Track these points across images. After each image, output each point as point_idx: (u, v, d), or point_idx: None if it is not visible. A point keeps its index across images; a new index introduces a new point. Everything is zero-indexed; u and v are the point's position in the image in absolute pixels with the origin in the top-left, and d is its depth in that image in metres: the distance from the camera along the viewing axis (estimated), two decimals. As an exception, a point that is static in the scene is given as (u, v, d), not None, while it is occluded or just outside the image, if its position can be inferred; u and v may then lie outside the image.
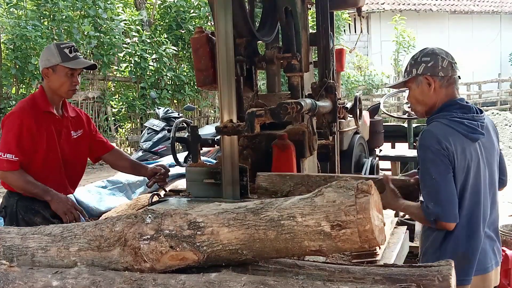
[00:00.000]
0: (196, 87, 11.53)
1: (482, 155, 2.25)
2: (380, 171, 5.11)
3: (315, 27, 3.49)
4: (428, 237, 2.30)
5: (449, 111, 2.22)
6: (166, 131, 8.42)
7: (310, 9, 3.59)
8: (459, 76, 2.29)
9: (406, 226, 3.13)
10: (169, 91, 11.74)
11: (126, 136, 11.64)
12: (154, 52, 11.36)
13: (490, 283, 2.32)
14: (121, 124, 11.86)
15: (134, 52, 11.12)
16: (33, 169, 2.87)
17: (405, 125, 6.45)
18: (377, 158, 5.19)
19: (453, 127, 2.17)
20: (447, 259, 1.64)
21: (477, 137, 2.23)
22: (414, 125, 6.39)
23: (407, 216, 3.64)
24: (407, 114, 6.26)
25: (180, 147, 7.93)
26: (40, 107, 2.88)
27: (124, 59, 11.38)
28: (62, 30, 10.14)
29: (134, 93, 11.68)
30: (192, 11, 12.12)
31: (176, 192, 3.09)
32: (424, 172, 2.15)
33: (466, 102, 2.28)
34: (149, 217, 1.63)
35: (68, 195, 3.02)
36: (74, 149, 3.02)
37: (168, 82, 11.84)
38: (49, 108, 2.90)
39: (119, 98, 11.74)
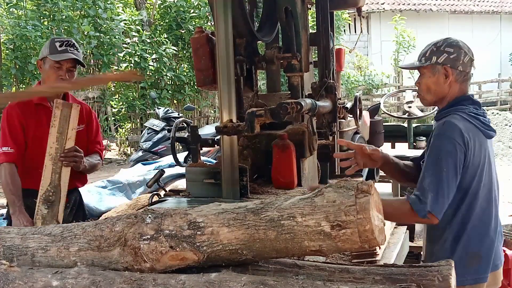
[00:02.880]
0: (196, 87, 11.53)
1: (493, 153, 2.25)
2: (380, 171, 5.10)
3: (315, 27, 3.48)
4: (435, 237, 2.26)
5: (464, 105, 2.19)
6: (166, 131, 8.43)
7: (310, 9, 3.58)
8: (472, 73, 2.27)
9: (406, 226, 3.13)
10: (169, 91, 11.74)
11: (126, 136, 11.64)
12: (154, 52, 11.36)
13: (499, 280, 2.32)
14: (121, 124, 11.87)
15: (134, 52, 11.13)
16: (27, 162, 2.94)
17: (405, 125, 6.45)
18: (377, 158, 5.17)
19: (471, 122, 2.14)
20: (447, 259, 1.64)
21: (492, 134, 2.21)
22: (414, 125, 6.39)
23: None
24: (407, 114, 6.27)
25: (180, 147, 7.93)
26: (32, 99, 2.94)
27: (124, 59, 11.38)
28: (62, 30, 10.15)
29: (134, 93, 11.69)
30: (192, 11, 12.13)
31: (176, 192, 3.09)
32: (434, 161, 2.07)
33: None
34: (149, 217, 1.63)
35: (73, 188, 3.09)
36: (77, 142, 2.98)
37: (168, 82, 11.84)
38: (40, 100, 2.97)
39: (119, 98, 11.74)
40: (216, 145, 3.34)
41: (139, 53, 11.17)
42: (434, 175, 2.06)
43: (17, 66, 9.46)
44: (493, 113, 11.64)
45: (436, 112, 2.37)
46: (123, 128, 11.86)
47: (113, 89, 12.05)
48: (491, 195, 2.21)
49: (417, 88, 2.35)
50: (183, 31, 12.10)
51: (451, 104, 2.22)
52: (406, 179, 2.46)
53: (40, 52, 3.04)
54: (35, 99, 2.95)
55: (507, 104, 19.02)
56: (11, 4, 9.92)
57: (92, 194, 4.65)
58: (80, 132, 3.04)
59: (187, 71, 11.95)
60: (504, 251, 4.18)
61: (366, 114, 5.10)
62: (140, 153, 8.41)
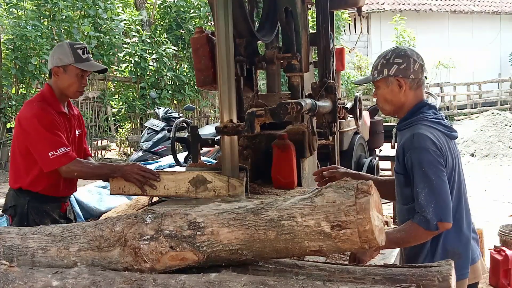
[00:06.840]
0: (196, 87, 11.53)
1: (459, 153, 2.33)
2: (380, 171, 5.11)
3: (315, 27, 3.49)
4: None
5: (424, 112, 2.26)
6: (166, 131, 8.43)
7: (310, 9, 3.59)
8: (425, 77, 2.33)
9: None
10: (169, 91, 11.74)
11: (126, 136, 11.63)
12: (154, 52, 11.36)
13: (479, 273, 2.37)
14: (121, 124, 11.87)
15: (134, 52, 11.12)
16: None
17: (405, 125, 6.44)
18: (377, 158, 5.19)
19: (436, 128, 2.20)
20: (446, 259, 1.64)
21: (455, 135, 2.29)
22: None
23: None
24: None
25: (180, 147, 7.93)
26: (54, 107, 2.85)
27: (124, 59, 11.37)
28: (62, 30, 10.15)
29: (134, 93, 11.68)
30: (192, 11, 12.12)
31: (176, 192, 3.07)
32: (421, 175, 2.11)
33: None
34: (149, 217, 1.63)
35: (71, 194, 3.07)
36: (77, 147, 3.03)
37: (168, 82, 11.83)
38: (61, 108, 2.90)
39: (119, 98, 11.74)
40: (216, 145, 3.34)
41: (139, 53, 11.16)
42: (426, 187, 2.11)
43: (17, 66, 9.45)
44: (493, 113, 11.63)
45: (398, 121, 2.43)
46: (123, 128, 11.86)
47: (113, 89, 12.05)
48: (460, 193, 2.27)
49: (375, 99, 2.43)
50: (183, 31, 12.10)
51: (411, 112, 2.29)
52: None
53: (56, 58, 2.84)
54: (56, 107, 2.86)
55: (507, 104, 19.04)
56: (11, 4, 9.90)
57: (92, 194, 4.65)
58: (80, 135, 3.07)
59: (187, 71, 11.94)
60: (504, 251, 4.20)
61: (366, 114, 5.11)
62: (140, 153, 8.41)
